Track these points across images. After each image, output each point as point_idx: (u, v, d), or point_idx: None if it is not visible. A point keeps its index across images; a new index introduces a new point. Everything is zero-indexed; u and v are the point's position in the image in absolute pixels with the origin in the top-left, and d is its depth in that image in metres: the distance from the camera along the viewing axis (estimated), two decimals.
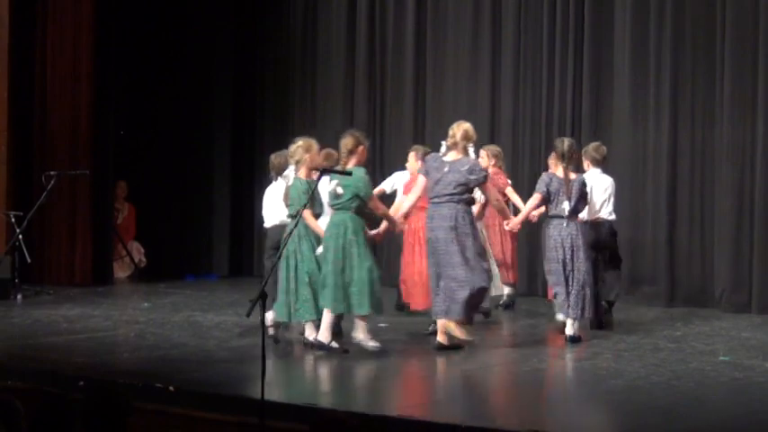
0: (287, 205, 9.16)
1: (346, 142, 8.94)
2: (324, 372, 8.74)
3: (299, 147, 9.16)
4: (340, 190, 8.84)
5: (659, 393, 7.56)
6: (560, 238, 9.40)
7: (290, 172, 9.22)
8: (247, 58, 14.52)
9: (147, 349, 9.13)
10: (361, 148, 8.94)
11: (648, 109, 11.88)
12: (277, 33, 14.38)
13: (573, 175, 9.52)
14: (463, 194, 8.95)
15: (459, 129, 9.12)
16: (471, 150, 9.16)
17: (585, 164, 10.08)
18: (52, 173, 12.21)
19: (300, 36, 14.22)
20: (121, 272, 13.95)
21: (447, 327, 8.90)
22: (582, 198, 9.53)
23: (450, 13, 13.10)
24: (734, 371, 8.28)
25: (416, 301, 10.35)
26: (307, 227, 8.96)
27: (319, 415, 5.22)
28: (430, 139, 13.18)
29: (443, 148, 9.17)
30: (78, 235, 13.14)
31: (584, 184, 9.56)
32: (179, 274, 13.86)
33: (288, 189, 9.15)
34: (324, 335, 8.86)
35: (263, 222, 10.02)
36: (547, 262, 9.73)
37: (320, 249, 8.95)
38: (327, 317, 8.87)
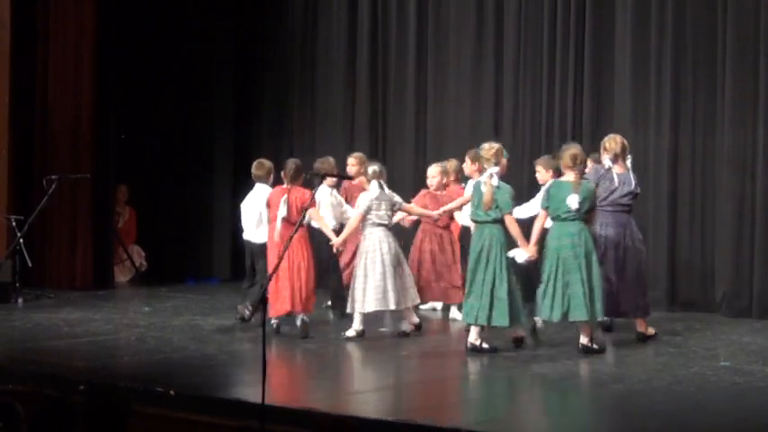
0: (489, 207, 8.99)
1: (574, 153, 9.09)
2: (324, 373, 8.74)
3: (497, 150, 9.14)
4: (577, 201, 8.89)
5: (660, 398, 7.56)
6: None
7: (486, 176, 9.04)
8: (247, 58, 14.51)
9: (148, 353, 9.12)
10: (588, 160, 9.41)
11: (649, 113, 11.86)
12: (277, 33, 14.36)
13: None
14: (631, 204, 9.68)
15: (617, 143, 9.67)
16: (629, 162, 9.72)
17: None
18: (53, 176, 12.21)
19: (300, 36, 14.20)
20: (122, 275, 13.94)
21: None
22: None
23: (451, 15, 13.08)
24: (734, 375, 8.28)
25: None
26: (501, 231, 8.97)
27: (319, 419, 5.22)
28: (431, 141, 13.20)
29: (606, 161, 9.60)
30: (79, 239, 13.14)
31: None
32: (180, 277, 13.85)
33: (492, 191, 8.97)
34: (587, 341, 8.95)
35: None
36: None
37: (515, 253, 8.97)
38: (585, 325, 8.97)
